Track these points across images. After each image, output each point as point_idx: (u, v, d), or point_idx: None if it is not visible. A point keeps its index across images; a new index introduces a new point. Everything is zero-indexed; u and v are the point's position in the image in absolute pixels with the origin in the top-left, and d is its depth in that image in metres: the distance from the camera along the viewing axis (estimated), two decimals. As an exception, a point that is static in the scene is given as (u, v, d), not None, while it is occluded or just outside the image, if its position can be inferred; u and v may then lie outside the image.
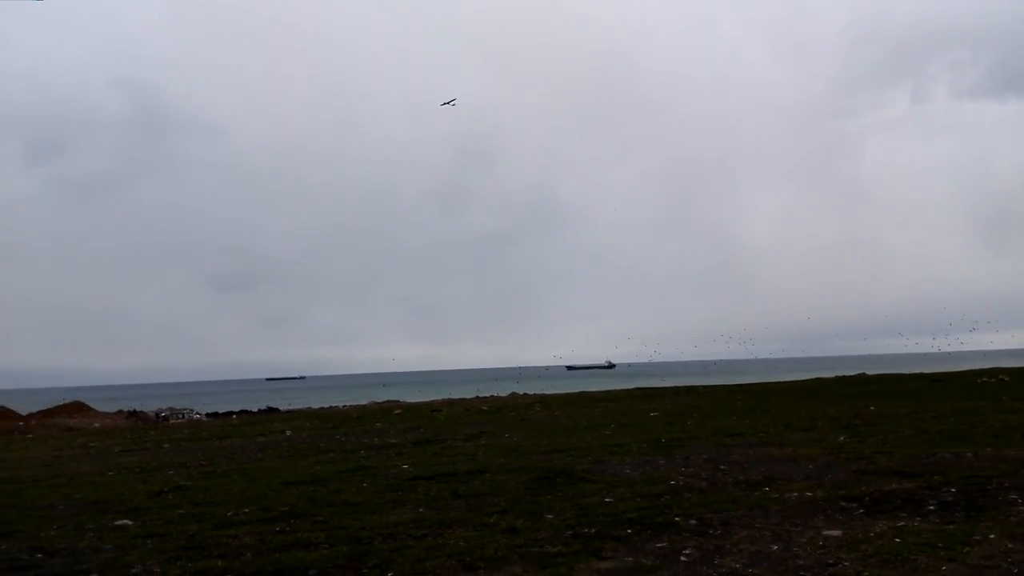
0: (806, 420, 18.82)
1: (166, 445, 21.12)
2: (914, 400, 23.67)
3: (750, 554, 6.75)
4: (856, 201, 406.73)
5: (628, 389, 44.07)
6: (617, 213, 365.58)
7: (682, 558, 6.74)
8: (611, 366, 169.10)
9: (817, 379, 44.56)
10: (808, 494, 9.24)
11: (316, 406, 48.19)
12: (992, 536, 6.94)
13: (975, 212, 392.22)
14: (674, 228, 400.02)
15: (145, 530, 8.93)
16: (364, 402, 47.69)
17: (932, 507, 8.32)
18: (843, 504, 8.62)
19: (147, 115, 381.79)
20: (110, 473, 15.02)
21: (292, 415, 38.58)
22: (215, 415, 46.72)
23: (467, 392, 54.39)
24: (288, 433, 23.23)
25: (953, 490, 9.09)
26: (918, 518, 7.86)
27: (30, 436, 29.06)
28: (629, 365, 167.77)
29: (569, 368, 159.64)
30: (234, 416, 43.95)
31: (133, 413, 42.31)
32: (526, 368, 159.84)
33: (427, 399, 46.85)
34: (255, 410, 51.27)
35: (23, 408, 43.41)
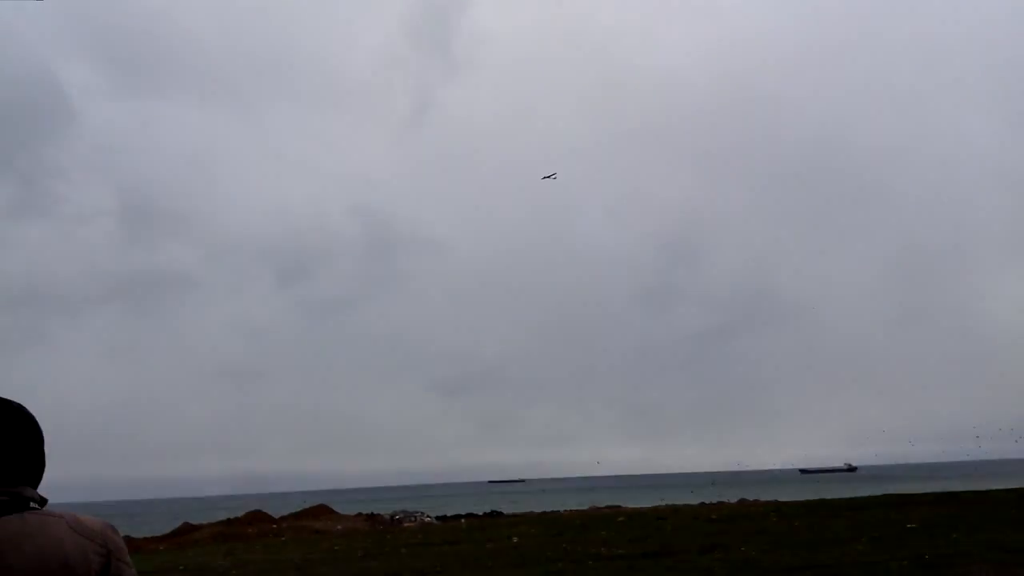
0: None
1: (403, 550, 22.23)
2: None
3: None
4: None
5: (875, 496, 39.18)
6: (843, 304, 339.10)
7: None
8: (852, 469, 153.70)
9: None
10: None
11: (538, 510, 48.44)
12: None
13: None
14: (910, 317, 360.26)
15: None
16: (585, 506, 47.12)
17: None
18: None
19: (378, 237, 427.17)
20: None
21: (516, 519, 39.06)
22: (444, 518, 48.59)
23: (688, 496, 51.89)
24: (515, 540, 23.48)
25: None
26: None
27: (283, 539, 32.04)
28: (872, 468, 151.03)
29: (803, 471, 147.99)
30: (462, 520, 45.41)
31: (371, 516, 45.28)
32: (750, 472, 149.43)
33: (648, 504, 45.20)
34: (480, 513, 52.86)
35: (276, 511, 47.56)
